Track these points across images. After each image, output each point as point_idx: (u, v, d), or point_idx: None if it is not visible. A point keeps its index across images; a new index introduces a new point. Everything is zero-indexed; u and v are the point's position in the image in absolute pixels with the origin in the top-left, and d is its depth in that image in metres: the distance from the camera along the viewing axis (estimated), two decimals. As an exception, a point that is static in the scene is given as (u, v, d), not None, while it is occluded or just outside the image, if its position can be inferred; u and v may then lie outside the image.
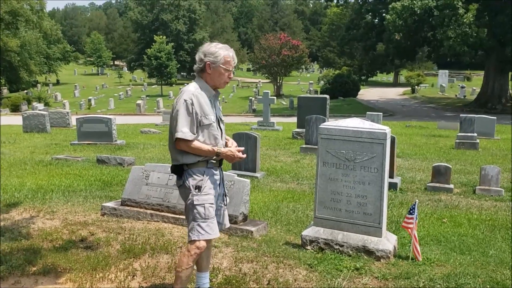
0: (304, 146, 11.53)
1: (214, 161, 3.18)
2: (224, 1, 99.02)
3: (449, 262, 4.28)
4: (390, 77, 64.72)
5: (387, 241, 4.27)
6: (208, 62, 3.12)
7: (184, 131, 3.03)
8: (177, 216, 5.10)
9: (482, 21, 27.01)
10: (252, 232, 4.79)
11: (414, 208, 4.27)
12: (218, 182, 3.23)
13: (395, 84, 58.49)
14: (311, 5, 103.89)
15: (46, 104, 33.77)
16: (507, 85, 31.09)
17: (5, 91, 44.32)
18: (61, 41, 64.88)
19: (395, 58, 37.03)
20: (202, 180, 3.11)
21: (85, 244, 4.53)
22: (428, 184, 7.67)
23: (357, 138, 4.19)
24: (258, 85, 50.93)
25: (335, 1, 38.02)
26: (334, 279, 3.75)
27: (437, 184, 7.56)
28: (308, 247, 4.41)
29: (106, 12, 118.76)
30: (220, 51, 3.11)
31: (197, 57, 3.18)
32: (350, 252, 4.23)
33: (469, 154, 11.50)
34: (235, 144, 3.32)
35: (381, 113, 18.39)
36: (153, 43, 50.33)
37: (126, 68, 77.80)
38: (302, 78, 61.63)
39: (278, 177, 8.35)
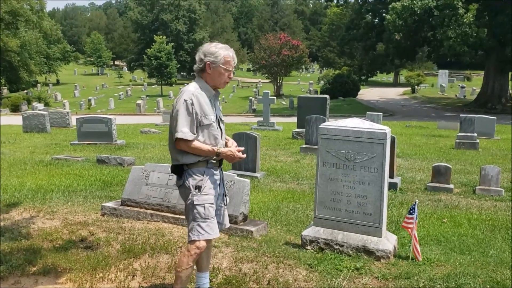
0: (304, 146, 11.53)
1: (214, 161, 3.18)
2: (224, 1, 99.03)
3: (449, 262, 4.28)
4: (390, 77, 64.73)
5: (387, 241, 4.27)
6: (208, 62, 3.11)
7: (184, 131, 3.03)
8: (177, 216, 5.10)
9: (482, 21, 27.02)
10: (252, 232, 4.79)
11: (414, 208, 4.27)
12: (218, 182, 3.23)
13: (395, 84, 58.49)
14: (311, 5, 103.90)
15: (46, 104, 33.78)
16: (507, 85, 31.09)
17: (5, 91, 44.33)
18: (61, 41, 64.88)
19: (395, 58, 37.06)
20: (202, 180, 3.10)
21: (85, 244, 4.53)
22: (428, 184, 7.67)
23: (357, 138, 4.19)
24: (258, 85, 50.94)
25: (335, 1, 38.03)
26: (334, 279, 3.75)
27: (437, 184, 7.56)
28: (308, 247, 4.41)
29: (106, 12, 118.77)
30: (220, 51, 3.11)
31: (197, 57, 3.18)
32: (350, 252, 4.23)
33: (469, 154, 11.50)
34: (235, 144, 3.32)
35: (381, 113, 18.40)
36: (153, 43, 50.33)
37: (126, 68, 77.81)
38: (302, 78, 61.63)
39: (278, 177, 8.35)
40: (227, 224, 3.38)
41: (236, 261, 4.12)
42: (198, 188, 3.09)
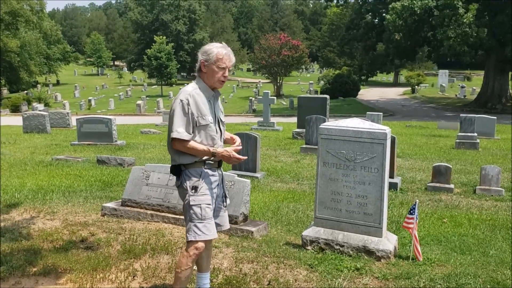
0: (304, 146, 11.53)
1: (212, 162, 3.16)
2: (224, 1, 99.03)
3: (449, 262, 4.28)
4: (390, 77, 64.72)
5: (388, 241, 4.27)
6: (202, 60, 3.11)
7: (179, 131, 3.03)
8: (178, 216, 5.10)
9: (482, 21, 27.01)
10: (252, 232, 4.79)
11: (414, 208, 4.27)
12: (217, 182, 3.21)
13: (395, 84, 58.48)
14: (311, 5, 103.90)
15: (46, 105, 33.81)
16: (507, 85, 31.09)
17: (5, 91, 44.31)
18: (61, 42, 64.91)
19: (395, 58, 37.05)
20: (198, 180, 3.09)
21: (86, 245, 4.53)
22: (428, 184, 7.67)
23: (357, 138, 4.19)
24: (258, 85, 50.93)
25: (335, 1, 37.98)
26: (334, 279, 3.75)
27: (438, 184, 7.56)
28: (309, 247, 4.41)
29: (106, 13, 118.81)
30: (214, 49, 3.10)
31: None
32: (351, 252, 4.23)
33: (469, 154, 11.51)
34: (238, 141, 3.30)
35: (381, 113, 18.39)
36: (153, 44, 50.34)
37: (126, 69, 77.82)
38: (302, 78, 61.63)
39: (278, 177, 8.36)
40: (226, 225, 3.36)
41: (237, 261, 4.12)
42: (195, 188, 3.08)
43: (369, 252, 4.19)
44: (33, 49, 46.64)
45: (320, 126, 4.45)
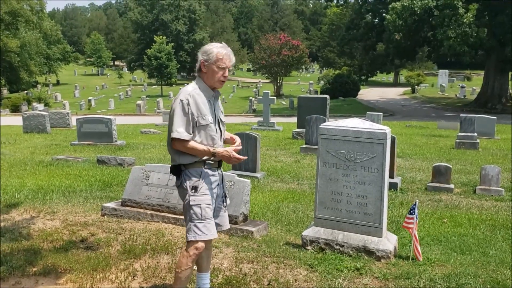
0: (304, 146, 11.53)
1: (212, 162, 3.16)
2: (224, 1, 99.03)
3: (449, 262, 4.28)
4: (390, 77, 64.72)
5: (388, 241, 4.27)
6: (202, 60, 3.11)
7: (179, 131, 3.03)
8: (178, 216, 5.10)
9: (482, 21, 27.01)
10: (252, 232, 4.79)
11: (414, 208, 4.27)
12: (217, 182, 3.21)
13: (395, 84, 58.48)
14: (311, 5, 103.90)
15: (46, 105, 33.80)
16: (507, 85, 31.09)
17: (5, 91, 44.32)
18: (61, 42, 64.91)
19: (395, 58, 37.04)
20: (198, 180, 3.09)
21: (86, 245, 4.53)
22: (428, 184, 7.67)
23: (357, 138, 4.19)
24: (258, 85, 50.93)
25: (335, 1, 37.98)
26: (334, 279, 3.75)
27: (438, 184, 7.56)
28: (309, 247, 4.41)
29: (106, 13, 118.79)
30: (213, 49, 3.10)
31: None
32: (351, 252, 4.23)
33: (469, 154, 11.51)
34: (238, 140, 3.30)
35: (381, 113, 18.39)
36: (153, 44, 50.35)
37: (126, 69, 77.82)
38: (302, 78, 61.63)
39: (278, 177, 8.36)
40: (226, 225, 3.36)
41: (237, 261, 4.12)
42: (195, 188, 3.08)
43: (369, 252, 4.19)
44: (33, 49, 46.65)
45: (320, 126, 4.45)
